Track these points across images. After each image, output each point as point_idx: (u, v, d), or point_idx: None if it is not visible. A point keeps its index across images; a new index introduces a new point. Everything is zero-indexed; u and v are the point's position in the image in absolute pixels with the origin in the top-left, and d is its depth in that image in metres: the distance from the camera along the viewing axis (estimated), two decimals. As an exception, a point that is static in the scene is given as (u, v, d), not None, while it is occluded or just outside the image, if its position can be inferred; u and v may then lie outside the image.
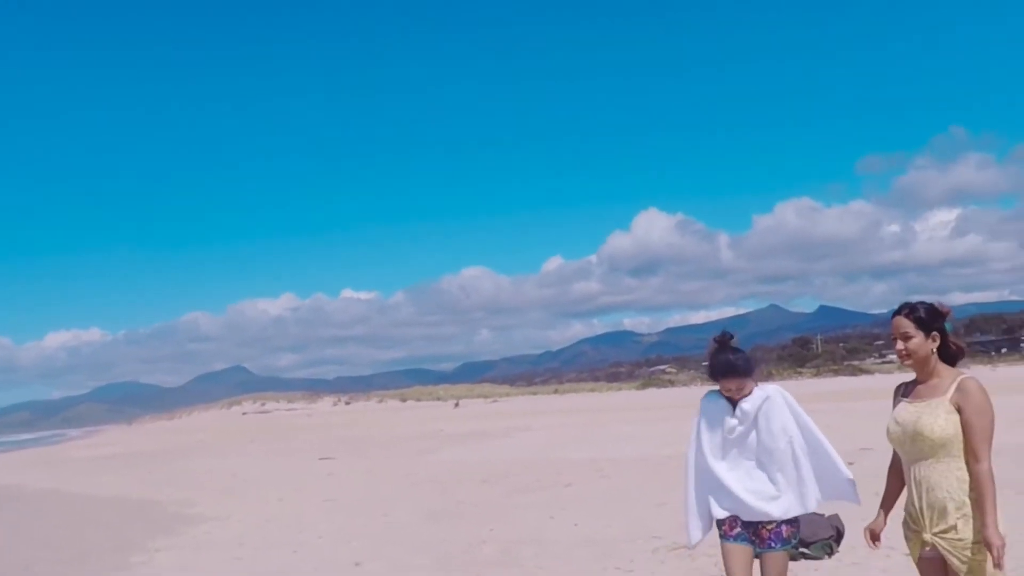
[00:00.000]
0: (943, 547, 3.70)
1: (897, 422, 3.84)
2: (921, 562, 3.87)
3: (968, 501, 3.68)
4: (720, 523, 4.64)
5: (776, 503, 4.49)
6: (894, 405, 3.97)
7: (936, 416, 3.70)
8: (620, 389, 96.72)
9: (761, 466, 4.56)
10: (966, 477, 3.69)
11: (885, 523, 4.09)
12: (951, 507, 3.68)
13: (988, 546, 3.60)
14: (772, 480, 4.53)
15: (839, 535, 7.53)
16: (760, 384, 4.65)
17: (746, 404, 4.52)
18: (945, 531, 3.70)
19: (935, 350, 3.84)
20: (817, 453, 4.56)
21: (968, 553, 3.66)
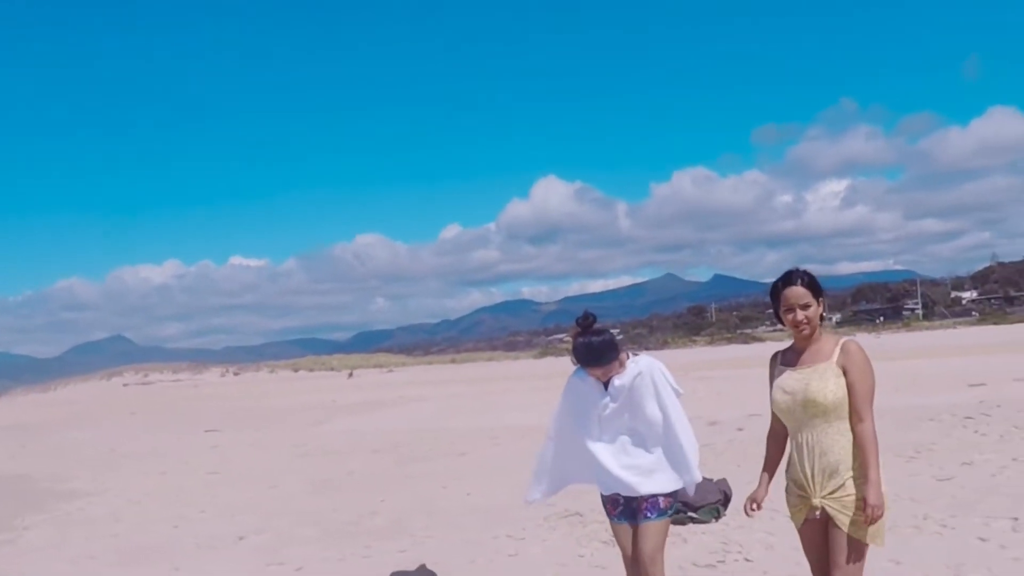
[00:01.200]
0: (832, 508, 3.78)
1: (785, 391, 3.89)
2: (805, 526, 3.94)
3: (857, 462, 3.81)
4: (604, 502, 4.71)
5: (653, 479, 4.51)
6: (773, 375, 4.01)
7: (826, 381, 3.78)
8: (518, 358, 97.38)
9: (637, 441, 4.58)
10: (851, 438, 3.81)
11: (767, 491, 4.14)
12: (842, 468, 3.78)
13: (865, 505, 3.72)
14: (648, 454, 4.55)
15: (726, 499, 7.80)
16: (633, 356, 4.61)
17: (618, 380, 4.51)
18: (834, 491, 3.78)
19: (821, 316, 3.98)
20: (673, 438, 4.56)
21: (855, 511, 3.76)
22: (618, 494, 4.60)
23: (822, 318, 3.92)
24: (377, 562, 7.16)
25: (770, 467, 4.14)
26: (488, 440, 15.24)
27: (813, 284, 3.90)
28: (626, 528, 4.63)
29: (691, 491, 4.70)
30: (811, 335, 3.90)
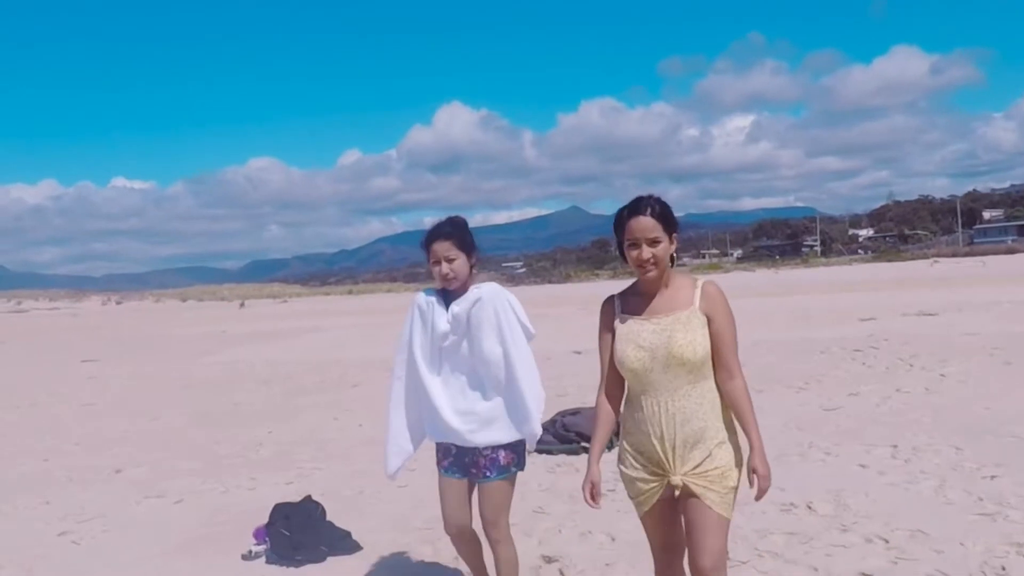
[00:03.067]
0: (697, 484, 3.15)
1: (640, 346, 3.18)
2: (653, 509, 3.31)
3: (723, 426, 3.21)
4: (436, 449, 4.08)
5: (490, 429, 3.91)
6: (612, 325, 3.31)
7: (693, 332, 3.14)
8: (418, 290, 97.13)
9: (475, 383, 3.94)
10: (718, 399, 3.21)
11: (600, 472, 3.40)
12: (708, 435, 3.16)
13: (754, 473, 3.17)
14: (487, 399, 3.92)
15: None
16: (478, 283, 4.04)
17: (457, 306, 3.92)
18: (699, 464, 3.15)
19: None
20: (513, 382, 3.92)
21: (725, 483, 3.16)
22: (451, 444, 3.99)
23: (673, 259, 3.22)
24: (261, 494, 7.09)
25: (604, 439, 3.37)
26: (383, 371, 15.18)
27: (666, 215, 3.16)
28: (454, 484, 4.02)
29: (531, 445, 4.04)
30: (659, 277, 3.19)
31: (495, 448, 3.92)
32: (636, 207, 3.17)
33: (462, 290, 3.97)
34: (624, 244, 3.18)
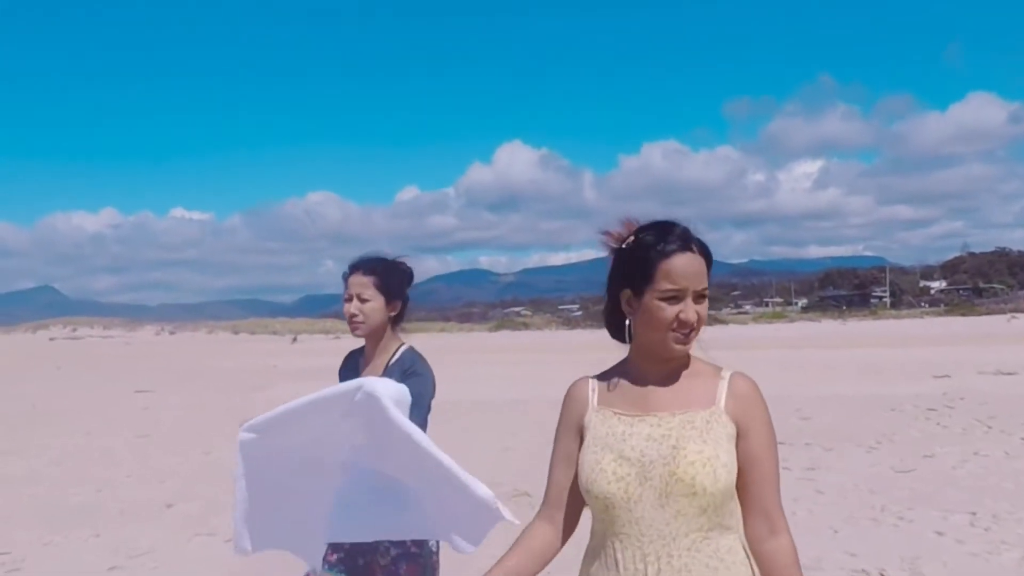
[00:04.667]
0: None
1: (625, 457, 1.98)
2: None
3: None
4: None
5: (389, 523, 2.95)
6: (584, 421, 2.11)
7: (713, 445, 1.95)
8: (472, 330, 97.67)
9: (377, 472, 2.92)
10: (748, 565, 1.99)
11: None
12: None
13: None
14: (391, 491, 2.90)
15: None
16: (405, 340, 3.43)
17: (370, 371, 3.31)
18: None
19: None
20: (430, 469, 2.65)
21: None
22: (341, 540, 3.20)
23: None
24: (312, 535, 7.11)
25: (515, 568, 2.08)
26: (436, 414, 14.97)
27: (710, 259, 2.07)
28: None
29: (488, 517, 2.59)
30: (683, 354, 2.08)
31: (396, 551, 3.14)
32: (681, 240, 2.01)
33: (374, 345, 3.40)
34: (647, 293, 2.00)
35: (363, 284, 3.33)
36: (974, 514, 7.02)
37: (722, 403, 2.01)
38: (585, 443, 2.07)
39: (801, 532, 6.05)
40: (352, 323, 3.34)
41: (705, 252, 2.05)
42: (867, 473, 8.85)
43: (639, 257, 2.02)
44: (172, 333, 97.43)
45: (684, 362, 2.09)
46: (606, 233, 2.11)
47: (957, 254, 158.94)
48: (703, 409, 2.01)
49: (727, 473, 1.93)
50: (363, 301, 3.32)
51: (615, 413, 2.06)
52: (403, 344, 3.40)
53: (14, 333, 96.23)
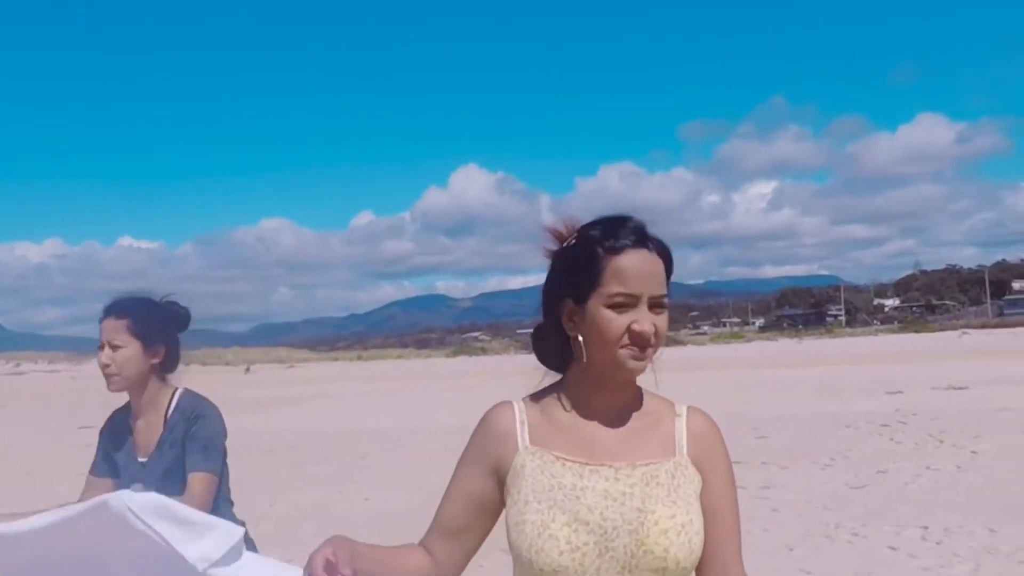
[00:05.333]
0: None
1: (581, 519, 1.56)
2: None
3: None
4: None
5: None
6: (512, 461, 1.65)
7: (684, 505, 1.59)
8: (429, 356, 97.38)
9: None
10: None
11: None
12: None
13: None
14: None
15: None
16: (175, 392, 2.90)
17: (144, 430, 2.92)
18: None
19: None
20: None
21: None
22: None
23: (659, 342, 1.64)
24: (262, 570, 6.99)
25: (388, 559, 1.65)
26: (392, 442, 15.11)
27: (669, 262, 1.67)
28: None
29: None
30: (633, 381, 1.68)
31: None
32: (635, 234, 1.61)
33: (138, 398, 2.90)
34: (591, 300, 1.59)
35: (115, 329, 2.78)
36: (926, 528, 7.11)
37: (685, 449, 1.65)
38: (518, 494, 1.59)
39: (756, 551, 6.08)
40: (105, 375, 2.81)
41: (664, 253, 1.64)
42: (822, 490, 8.94)
43: (583, 256, 1.60)
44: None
45: (633, 393, 1.69)
46: (546, 230, 1.70)
47: (909, 272, 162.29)
48: (666, 459, 1.63)
49: (700, 541, 1.58)
50: (115, 348, 2.77)
51: (558, 458, 1.61)
52: (177, 388, 2.88)
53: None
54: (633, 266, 1.58)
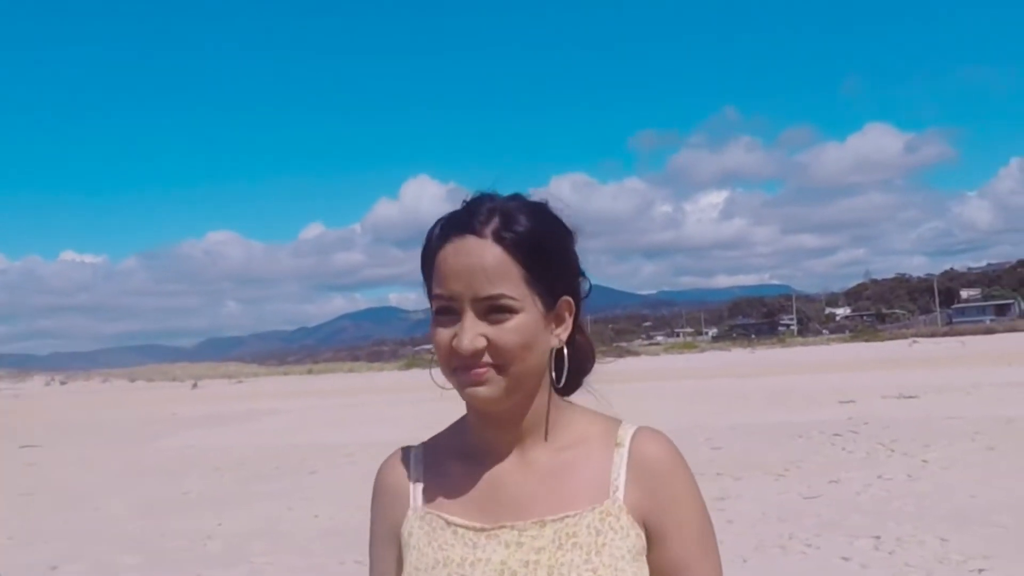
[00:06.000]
0: None
1: None
2: None
3: None
4: None
5: None
6: (401, 527, 1.33)
7: (615, 570, 1.20)
8: (382, 369, 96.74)
9: None
10: None
11: None
12: None
13: None
14: None
15: None
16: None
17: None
18: None
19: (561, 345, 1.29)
20: None
21: None
22: None
23: (561, 370, 1.30)
24: (208, 592, 6.87)
25: None
26: (342, 457, 14.96)
27: (534, 244, 1.22)
28: None
29: None
30: (513, 408, 1.26)
31: None
32: (456, 219, 1.25)
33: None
34: (432, 308, 1.26)
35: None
36: (878, 538, 7.19)
37: (620, 491, 1.23)
38: (405, 571, 1.29)
39: (710, 564, 6.09)
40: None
41: (515, 238, 1.20)
42: (776, 501, 9.00)
43: (422, 257, 1.29)
44: (63, 383, 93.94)
45: (543, 419, 1.27)
46: None
47: (860, 281, 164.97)
48: (589, 507, 1.23)
49: None
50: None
51: (448, 523, 1.27)
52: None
53: None
54: (449, 261, 1.21)
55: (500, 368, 1.20)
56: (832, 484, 9.77)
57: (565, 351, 1.29)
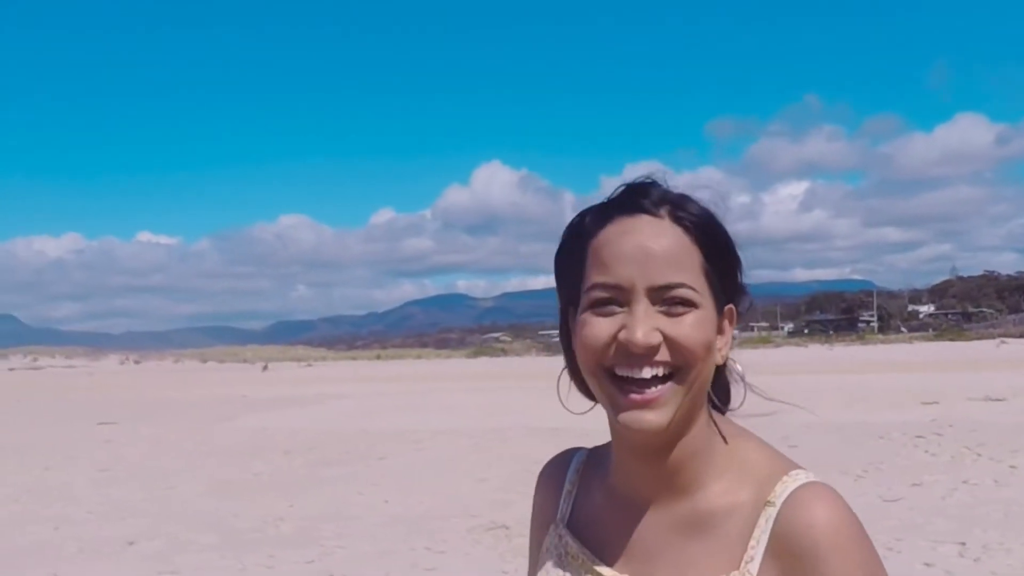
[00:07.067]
0: None
1: None
2: None
3: None
4: None
5: None
6: (546, 534, 1.22)
7: None
8: (449, 357, 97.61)
9: None
10: None
11: None
12: None
13: None
14: None
15: None
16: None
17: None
18: None
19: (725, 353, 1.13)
20: None
21: None
22: None
23: (715, 400, 1.15)
24: (281, 573, 7.04)
25: None
26: (411, 444, 15.15)
27: (707, 230, 1.08)
28: None
29: None
30: (670, 440, 1.07)
31: None
32: (628, 198, 1.10)
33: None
34: (581, 301, 1.08)
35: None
36: (963, 544, 7.04)
37: (754, 564, 1.03)
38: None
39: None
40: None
41: (694, 221, 1.07)
42: (854, 503, 8.74)
43: (568, 240, 1.14)
44: (137, 362, 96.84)
45: (710, 453, 1.10)
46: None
47: (945, 278, 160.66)
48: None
49: None
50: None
51: (571, 553, 1.16)
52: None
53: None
54: (616, 242, 1.05)
55: (674, 374, 1.03)
56: (914, 487, 9.58)
57: (738, 366, 1.14)
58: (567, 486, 1.22)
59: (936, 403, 19.00)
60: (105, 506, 10.39)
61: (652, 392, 1.01)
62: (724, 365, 1.12)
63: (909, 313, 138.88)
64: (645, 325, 1.01)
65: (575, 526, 1.17)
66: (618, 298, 1.03)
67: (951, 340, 79.51)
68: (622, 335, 1.01)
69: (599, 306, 1.04)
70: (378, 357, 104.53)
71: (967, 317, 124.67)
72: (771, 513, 1.03)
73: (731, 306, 1.10)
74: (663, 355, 1.01)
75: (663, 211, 1.05)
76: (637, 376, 1.02)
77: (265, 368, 71.39)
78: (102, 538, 8.64)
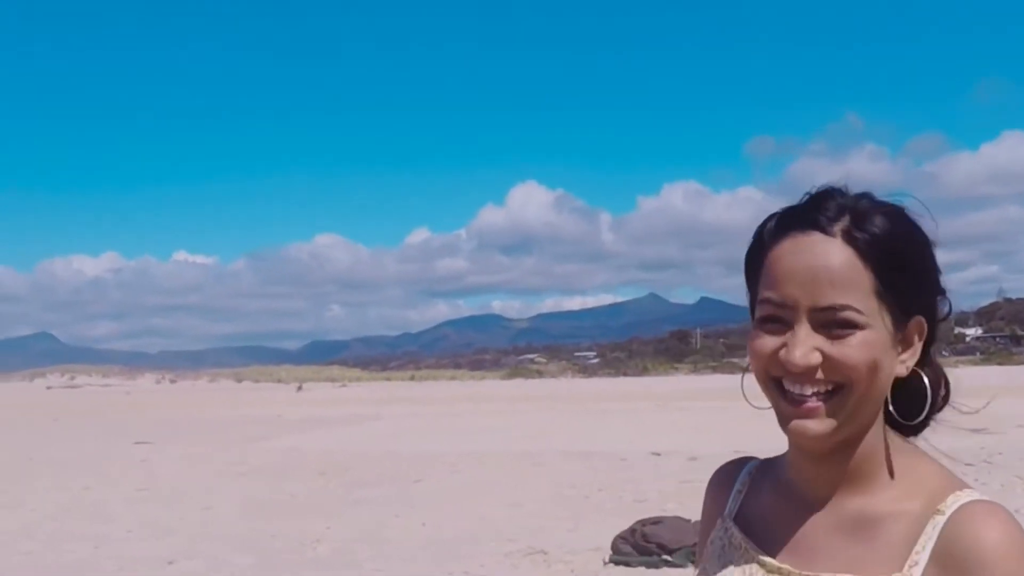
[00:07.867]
0: None
1: None
2: None
3: None
4: None
5: None
6: (712, 527, 1.29)
7: None
8: (484, 378, 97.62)
9: None
10: None
11: None
12: None
13: None
14: None
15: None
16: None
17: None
18: None
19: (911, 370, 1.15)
20: None
21: None
22: None
23: (890, 410, 1.15)
24: (318, 595, 7.09)
25: None
26: (446, 467, 15.18)
27: (889, 247, 1.09)
28: None
29: None
30: (840, 449, 1.12)
31: None
32: (797, 213, 1.13)
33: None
34: (756, 312, 1.14)
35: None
36: None
37: (918, 569, 1.06)
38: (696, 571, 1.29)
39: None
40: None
41: (871, 239, 1.07)
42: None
43: (752, 252, 1.17)
44: (173, 381, 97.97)
45: (866, 462, 1.13)
46: None
47: (993, 300, 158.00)
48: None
49: None
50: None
51: (736, 545, 1.21)
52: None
53: (11, 381, 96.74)
54: (784, 261, 1.09)
55: (837, 391, 1.06)
56: (962, 516, 9.46)
57: (926, 380, 1.16)
58: (737, 486, 1.27)
59: (985, 430, 18.70)
60: (143, 525, 10.52)
61: (812, 403, 1.07)
62: (919, 375, 1.15)
63: (955, 336, 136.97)
64: (804, 346, 1.05)
65: (742, 520, 1.23)
66: (783, 315, 1.08)
67: (1000, 364, 78.38)
68: (782, 354, 1.06)
69: (766, 321, 1.10)
70: (412, 378, 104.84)
71: (1016, 341, 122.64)
72: (939, 521, 1.06)
73: (919, 318, 1.12)
74: (823, 374, 1.06)
75: (837, 228, 1.08)
76: (798, 392, 1.07)
77: (299, 388, 71.88)
78: (141, 557, 8.76)
